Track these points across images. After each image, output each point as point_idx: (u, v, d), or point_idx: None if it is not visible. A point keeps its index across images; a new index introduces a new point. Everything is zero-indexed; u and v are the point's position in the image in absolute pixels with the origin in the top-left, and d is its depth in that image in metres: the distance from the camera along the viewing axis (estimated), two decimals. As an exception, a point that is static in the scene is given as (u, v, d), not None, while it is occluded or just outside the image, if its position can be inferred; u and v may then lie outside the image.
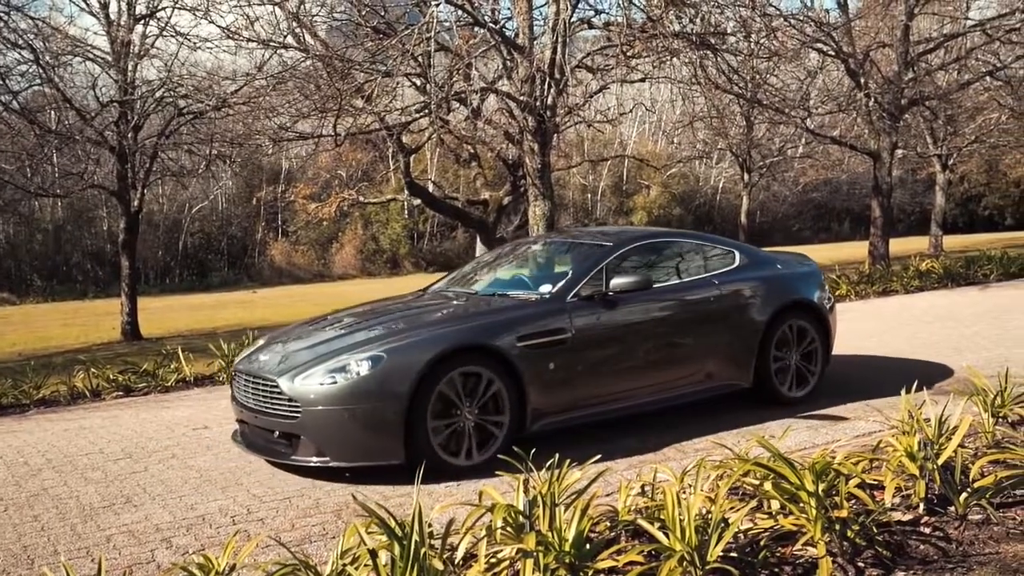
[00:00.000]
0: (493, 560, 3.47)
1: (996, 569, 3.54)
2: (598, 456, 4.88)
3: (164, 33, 15.65)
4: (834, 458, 4.27)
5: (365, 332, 5.70)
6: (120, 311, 16.36)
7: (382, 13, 14.15)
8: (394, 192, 32.09)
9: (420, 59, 13.04)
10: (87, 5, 15.79)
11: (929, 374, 7.31)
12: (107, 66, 15.71)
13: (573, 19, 12.13)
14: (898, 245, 24.73)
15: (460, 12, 12.43)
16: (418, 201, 18.73)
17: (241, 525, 4.54)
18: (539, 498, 3.74)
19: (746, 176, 25.85)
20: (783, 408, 6.47)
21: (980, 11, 23.71)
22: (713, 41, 12.18)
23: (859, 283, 14.67)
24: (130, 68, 15.47)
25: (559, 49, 11.52)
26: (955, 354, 8.28)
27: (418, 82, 14.93)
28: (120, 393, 8.78)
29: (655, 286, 6.15)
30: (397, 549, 3.26)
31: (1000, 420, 5.36)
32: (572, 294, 5.87)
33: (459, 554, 3.55)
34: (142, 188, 16.33)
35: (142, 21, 15.60)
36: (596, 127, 18.14)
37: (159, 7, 15.53)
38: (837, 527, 3.69)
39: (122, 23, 15.50)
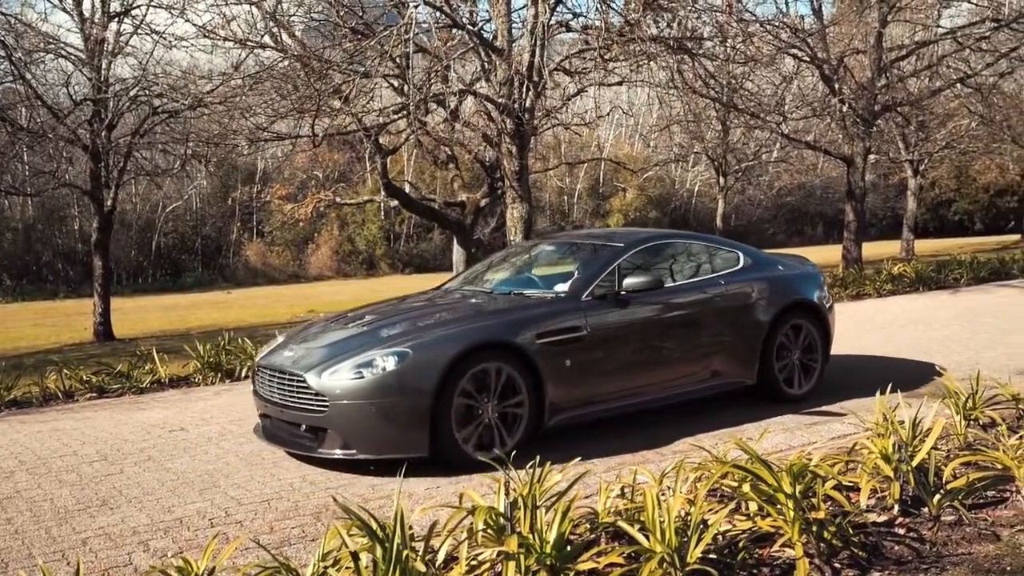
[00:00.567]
0: (474, 562, 3.48)
1: (969, 569, 3.60)
2: (578, 458, 4.90)
3: (139, 31, 15.52)
4: (811, 460, 4.33)
5: (388, 329, 5.84)
6: (92, 311, 16.18)
7: (360, 14, 14.11)
8: (371, 193, 32.01)
9: (399, 60, 13.04)
10: (60, 2, 15.61)
11: (902, 377, 7.40)
12: (80, 64, 15.54)
13: (551, 22, 12.16)
14: (870, 249, 25.02)
15: (438, 14, 12.44)
16: (395, 202, 18.71)
17: (220, 528, 4.51)
18: (520, 500, 3.75)
19: (722, 180, 26.04)
20: (758, 409, 6.54)
21: (951, 19, 24.00)
22: (690, 46, 12.27)
23: (832, 287, 14.81)
24: (104, 66, 15.30)
25: (537, 52, 11.55)
26: (927, 357, 8.39)
27: (396, 83, 14.91)
28: (93, 394, 8.68)
29: (665, 286, 6.33)
30: (379, 551, 3.26)
31: (972, 422, 5.46)
32: (587, 293, 6.04)
33: (440, 556, 3.56)
34: (116, 187, 16.16)
35: (116, 18, 15.45)
36: (573, 130, 18.19)
37: (134, 4, 15.39)
38: (814, 528, 3.74)
39: (96, 20, 15.34)
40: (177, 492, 5.17)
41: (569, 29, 13.24)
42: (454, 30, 13.37)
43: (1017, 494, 4.37)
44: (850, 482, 4.30)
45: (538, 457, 4.20)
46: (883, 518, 4.10)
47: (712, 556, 3.57)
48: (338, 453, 5.32)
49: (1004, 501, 4.34)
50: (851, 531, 3.85)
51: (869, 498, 4.18)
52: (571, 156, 32.03)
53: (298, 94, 13.02)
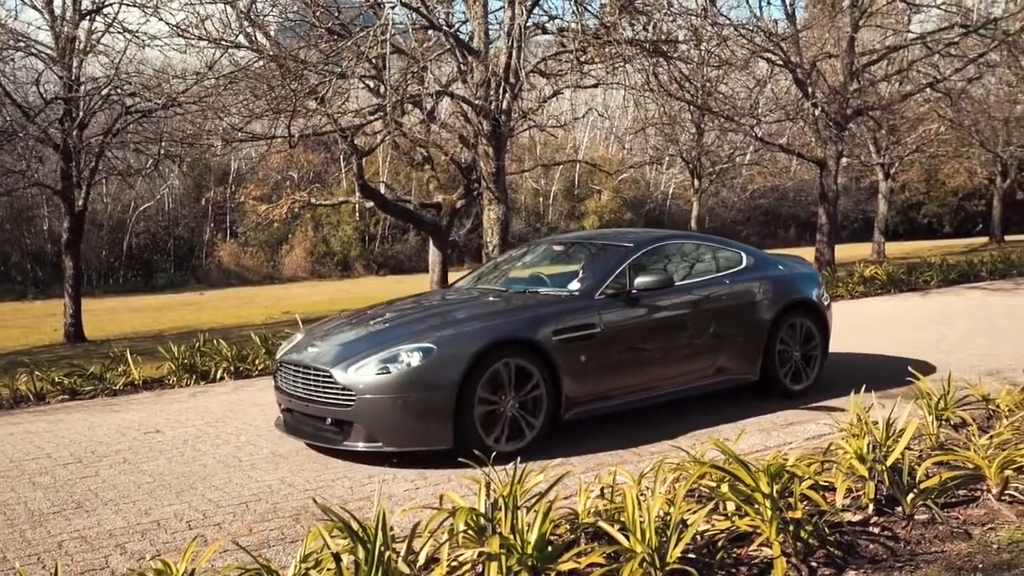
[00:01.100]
0: (455, 563, 3.49)
1: (941, 567, 3.66)
2: (558, 459, 4.92)
3: (111, 29, 15.31)
4: (787, 460, 4.38)
5: (409, 325, 6.02)
6: (63, 312, 15.96)
7: (336, 14, 14.05)
8: (346, 194, 31.86)
9: (375, 61, 12.99)
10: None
11: (875, 378, 7.50)
12: (51, 62, 15.31)
13: (528, 24, 12.20)
14: (842, 251, 25.29)
15: (415, 15, 12.41)
16: (370, 204, 18.62)
17: (198, 530, 4.48)
18: (501, 501, 3.76)
19: (696, 182, 26.17)
20: (735, 409, 6.61)
21: (921, 25, 24.34)
22: (665, 49, 12.36)
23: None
24: (75, 64, 15.11)
25: (514, 54, 11.57)
26: (900, 358, 8.51)
27: (372, 84, 14.86)
28: (66, 396, 8.58)
29: (674, 284, 6.49)
30: (361, 552, 3.26)
31: (943, 422, 5.54)
32: (599, 292, 6.24)
33: (421, 558, 3.56)
34: (87, 187, 15.96)
35: (88, 17, 15.25)
36: (549, 131, 18.24)
37: (106, 3, 15.19)
38: (791, 528, 3.78)
39: (67, 18, 15.15)
40: (154, 495, 5.13)
41: (545, 31, 13.28)
42: (431, 31, 13.36)
43: (988, 493, 4.45)
44: (826, 482, 4.35)
45: (518, 458, 4.22)
46: (858, 517, 4.16)
47: (691, 556, 3.60)
48: (362, 446, 5.46)
49: (975, 500, 4.41)
50: (827, 530, 3.90)
51: (844, 497, 4.24)
52: (547, 158, 32.12)
53: (274, 94, 12.93)
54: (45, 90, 15.64)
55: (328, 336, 6.15)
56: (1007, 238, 34.05)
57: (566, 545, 3.68)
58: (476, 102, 11.91)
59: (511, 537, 3.51)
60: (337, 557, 3.24)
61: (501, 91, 11.81)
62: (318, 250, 42.05)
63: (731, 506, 4.00)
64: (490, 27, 12.56)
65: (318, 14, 13.54)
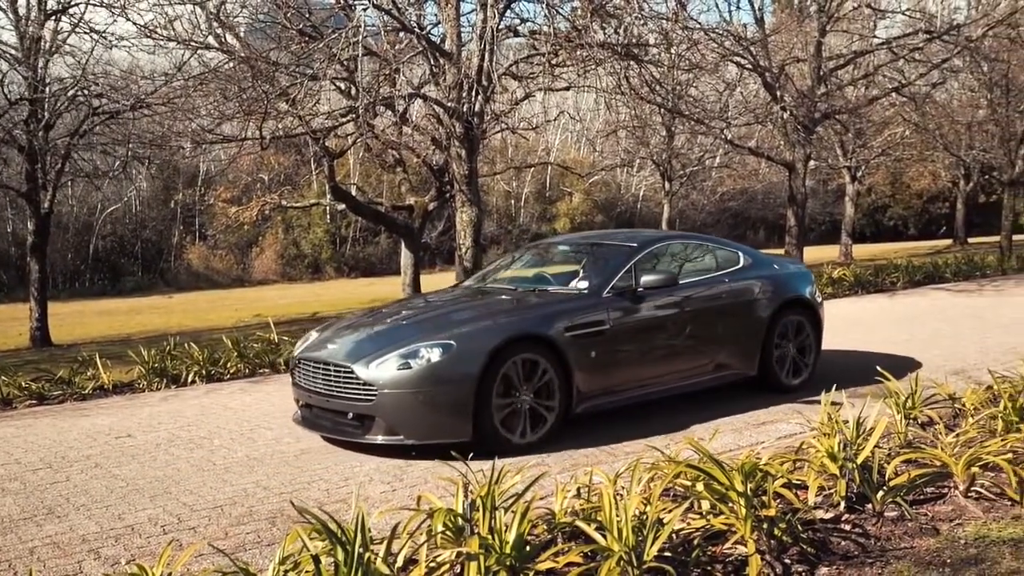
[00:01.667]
0: (433, 564, 3.50)
1: (911, 563, 3.73)
2: (535, 461, 4.95)
3: (77, 29, 15.13)
4: (760, 459, 4.44)
5: (426, 323, 6.26)
6: (29, 316, 15.75)
7: (307, 15, 13.99)
8: (317, 196, 31.68)
9: (347, 63, 12.95)
10: (-7, -1, 15.17)
11: (846, 378, 7.61)
12: (16, 62, 15.09)
13: (500, 27, 12.22)
14: (810, 253, 25.54)
15: (387, 17, 12.38)
16: (342, 206, 18.55)
17: (173, 534, 4.45)
18: (479, 501, 3.78)
19: (667, 184, 26.33)
20: (708, 409, 6.67)
21: (886, 30, 24.68)
22: (636, 52, 12.43)
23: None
24: (41, 65, 14.90)
25: (486, 56, 11.60)
26: (868, 358, 8.63)
27: (344, 86, 14.82)
28: (33, 401, 8.46)
29: (679, 283, 6.69)
30: (340, 554, 3.26)
31: (911, 421, 5.64)
32: (607, 290, 6.42)
33: (400, 559, 3.56)
34: (53, 189, 15.74)
35: (54, 16, 15.05)
36: (521, 134, 18.27)
37: (72, 3, 15.01)
38: (765, 526, 3.84)
39: (32, 18, 14.94)
40: (127, 499, 5.08)
41: (517, 34, 13.32)
42: (403, 34, 13.34)
43: (955, 490, 4.54)
44: (798, 480, 4.42)
45: (495, 459, 4.24)
46: (830, 514, 4.22)
47: (668, 554, 3.64)
48: (381, 439, 5.62)
49: (943, 497, 4.50)
50: (800, 528, 3.96)
51: (817, 495, 4.31)
52: (519, 160, 32.15)
53: (244, 96, 12.85)
54: (9, 91, 15.40)
55: (346, 333, 6.29)
56: (970, 240, 34.67)
57: (544, 545, 3.70)
58: (448, 104, 11.91)
59: (489, 537, 3.53)
60: (316, 559, 3.24)
61: (473, 93, 11.82)
62: (289, 253, 41.77)
63: (706, 505, 4.06)
64: (462, 30, 12.57)
65: (289, 15, 13.48)
